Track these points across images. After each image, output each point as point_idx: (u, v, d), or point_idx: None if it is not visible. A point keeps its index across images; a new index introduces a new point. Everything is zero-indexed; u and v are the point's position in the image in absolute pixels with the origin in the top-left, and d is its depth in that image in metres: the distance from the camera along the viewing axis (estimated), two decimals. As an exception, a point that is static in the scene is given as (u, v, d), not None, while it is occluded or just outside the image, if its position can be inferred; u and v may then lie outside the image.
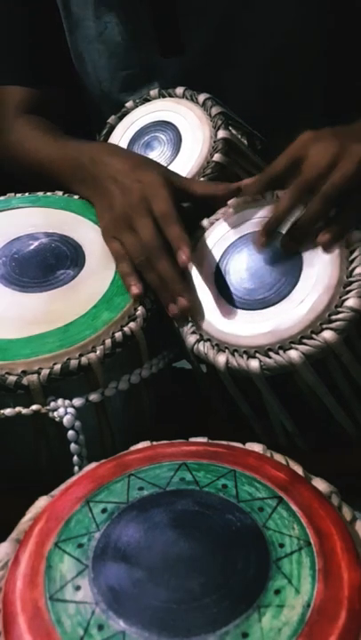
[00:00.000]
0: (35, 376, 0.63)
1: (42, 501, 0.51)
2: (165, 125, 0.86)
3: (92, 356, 0.65)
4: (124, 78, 0.95)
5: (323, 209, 0.65)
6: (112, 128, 0.92)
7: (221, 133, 0.82)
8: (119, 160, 0.78)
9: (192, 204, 0.75)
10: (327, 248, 0.65)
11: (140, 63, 0.94)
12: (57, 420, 0.64)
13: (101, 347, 0.66)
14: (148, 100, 0.91)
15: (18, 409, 0.64)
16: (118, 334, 0.67)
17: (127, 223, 0.72)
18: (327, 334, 0.62)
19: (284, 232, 0.67)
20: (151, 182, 0.73)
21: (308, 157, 0.66)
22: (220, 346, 0.66)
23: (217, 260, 0.71)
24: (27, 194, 0.82)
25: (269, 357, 0.63)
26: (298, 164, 0.67)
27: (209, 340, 0.67)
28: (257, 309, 0.66)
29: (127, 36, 0.92)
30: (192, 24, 0.90)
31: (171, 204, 0.71)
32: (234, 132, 0.84)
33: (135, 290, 0.69)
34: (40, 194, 0.82)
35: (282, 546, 0.45)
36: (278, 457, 0.53)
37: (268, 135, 0.88)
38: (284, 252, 0.67)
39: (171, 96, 0.89)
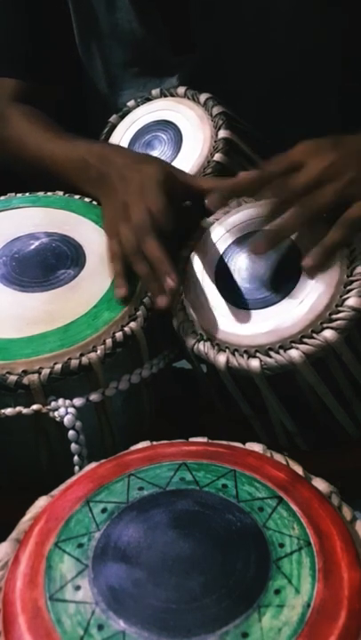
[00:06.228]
0: (35, 376, 0.64)
1: (42, 501, 0.51)
2: (166, 125, 0.87)
3: (92, 355, 0.65)
4: (136, 75, 0.95)
5: (297, 223, 0.66)
6: (113, 127, 0.92)
7: (222, 133, 0.82)
8: (126, 159, 0.78)
9: (195, 202, 0.75)
10: (310, 273, 0.65)
11: (151, 60, 0.94)
12: (57, 419, 0.64)
13: (102, 346, 0.66)
14: (150, 100, 0.91)
15: (18, 409, 0.64)
16: (119, 334, 0.67)
17: (125, 213, 0.72)
18: (328, 333, 0.62)
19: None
20: (149, 173, 0.73)
21: (305, 167, 0.66)
22: (221, 345, 0.66)
23: (217, 259, 0.71)
24: (27, 194, 0.82)
25: (270, 357, 0.63)
26: (294, 171, 0.67)
27: (209, 339, 0.67)
28: (257, 309, 0.66)
29: (140, 34, 0.92)
30: (201, 22, 0.90)
31: (161, 194, 0.71)
32: (235, 132, 0.84)
33: (119, 292, 0.69)
34: (40, 194, 0.82)
35: (282, 546, 0.45)
36: (278, 457, 0.53)
37: (276, 134, 0.88)
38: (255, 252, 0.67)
39: (172, 95, 0.89)
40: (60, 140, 0.86)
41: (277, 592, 0.43)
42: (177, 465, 0.51)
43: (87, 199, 0.81)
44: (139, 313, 0.69)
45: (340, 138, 0.69)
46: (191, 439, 0.55)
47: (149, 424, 0.74)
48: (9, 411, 0.64)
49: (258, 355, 0.64)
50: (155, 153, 0.85)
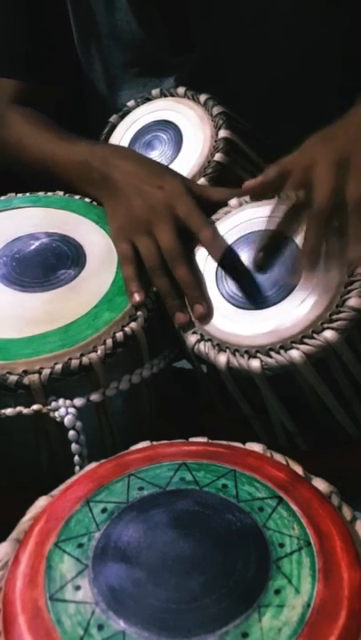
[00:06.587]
0: (36, 376, 0.64)
1: (42, 501, 0.51)
2: (167, 125, 0.87)
3: (93, 355, 0.65)
4: (135, 75, 0.95)
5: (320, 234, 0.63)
6: (114, 127, 0.92)
7: (223, 133, 0.82)
8: (133, 163, 0.78)
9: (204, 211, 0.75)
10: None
11: (151, 61, 0.94)
12: (58, 419, 0.64)
13: (102, 346, 0.66)
14: (150, 100, 0.91)
15: (19, 409, 0.64)
16: (119, 334, 0.67)
17: (145, 227, 0.73)
18: (328, 334, 0.62)
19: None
20: (174, 189, 0.74)
21: (315, 180, 0.63)
22: (221, 346, 0.66)
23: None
24: (27, 194, 0.82)
25: (270, 357, 0.63)
26: (304, 181, 0.64)
27: (210, 339, 0.67)
28: (258, 309, 0.66)
29: (139, 34, 0.92)
30: (201, 22, 0.90)
31: (195, 206, 0.72)
32: (235, 132, 0.84)
33: (137, 297, 0.69)
34: (41, 194, 0.82)
35: (282, 546, 0.45)
36: (278, 457, 0.53)
37: (276, 134, 0.88)
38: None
39: (172, 95, 0.89)
40: (61, 141, 0.85)
41: (277, 592, 0.43)
42: (177, 465, 0.51)
43: (87, 199, 0.81)
44: (139, 313, 0.69)
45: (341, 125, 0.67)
46: (191, 439, 0.55)
47: (149, 424, 0.74)
48: (9, 411, 0.64)
49: (258, 355, 0.64)
50: (155, 153, 0.85)
